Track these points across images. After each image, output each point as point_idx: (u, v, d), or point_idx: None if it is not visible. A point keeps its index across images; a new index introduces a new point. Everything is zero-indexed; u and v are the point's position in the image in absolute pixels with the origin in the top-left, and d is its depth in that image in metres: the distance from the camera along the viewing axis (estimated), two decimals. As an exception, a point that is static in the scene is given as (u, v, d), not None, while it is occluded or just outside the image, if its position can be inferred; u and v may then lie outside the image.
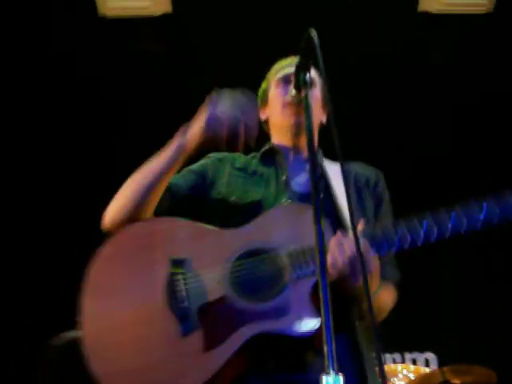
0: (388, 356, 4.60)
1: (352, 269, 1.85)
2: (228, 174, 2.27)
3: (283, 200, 2.16)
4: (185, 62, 4.72)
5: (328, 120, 2.24)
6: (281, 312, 1.89)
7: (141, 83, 4.80)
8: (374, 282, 1.97)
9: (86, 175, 5.13)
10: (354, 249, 1.83)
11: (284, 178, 2.24)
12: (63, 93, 4.86)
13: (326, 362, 1.43)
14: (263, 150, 2.39)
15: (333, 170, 2.22)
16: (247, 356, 1.92)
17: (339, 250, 1.86)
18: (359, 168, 2.33)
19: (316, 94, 2.27)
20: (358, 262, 1.84)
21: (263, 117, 2.43)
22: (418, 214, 1.94)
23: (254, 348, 1.91)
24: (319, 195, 1.65)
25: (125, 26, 4.53)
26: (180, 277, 1.97)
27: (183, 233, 2.09)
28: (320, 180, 2.13)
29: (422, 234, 1.92)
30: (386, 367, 3.89)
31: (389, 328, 2.15)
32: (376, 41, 4.64)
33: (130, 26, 4.54)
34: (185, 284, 1.97)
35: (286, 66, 2.33)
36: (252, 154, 2.39)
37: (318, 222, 1.59)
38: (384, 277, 2.09)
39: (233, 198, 2.18)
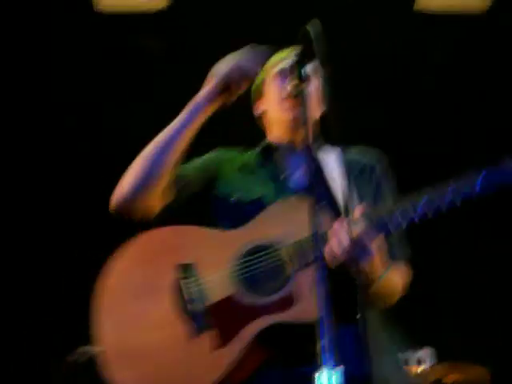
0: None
1: (352, 255, 1.88)
2: (228, 173, 2.28)
3: (283, 197, 2.16)
4: (184, 57, 4.73)
5: (326, 112, 2.21)
6: (287, 303, 1.93)
7: (139, 79, 4.80)
8: (379, 264, 1.98)
9: (86, 171, 5.15)
10: (350, 235, 1.87)
11: (283, 175, 2.25)
12: (60, 89, 4.85)
13: (325, 356, 1.46)
14: (261, 147, 2.37)
15: (330, 158, 2.23)
16: (260, 350, 1.96)
17: (336, 238, 1.89)
18: (357, 154, 2.33)
19: (314, 88, 2.23)
20: (356, 247, 1.88)
21: (258, 111, 2.40)
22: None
23: (266, 342, 1.95)
24: (316, 190, 1.66)
25: (122, 21, 4.52)
26: (186, 281, 2.02)
27: (187, 238, 2.13)
28: (317, 174, 2.10)
29: (419, 210, 1.93)
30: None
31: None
32: (376, 41, 4.62)
33: (127, 21, 4.53)
34: (191, 288, 2.02)
35: (283, 59, 2.29)
36: (249, 152, 2.38)
37: (315, 216, 1.62)
38: (393, 257, 2.11)
39: (233, 198, 2.19)
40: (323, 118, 2.27)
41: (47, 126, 5.04)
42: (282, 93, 2.23)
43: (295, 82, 1.95)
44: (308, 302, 1.90)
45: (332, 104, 1.68)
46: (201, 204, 2.31)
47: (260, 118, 2.42)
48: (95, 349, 2.07)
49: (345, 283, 1.88)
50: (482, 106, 4.91)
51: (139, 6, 4.45)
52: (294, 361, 1.95)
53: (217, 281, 2.01)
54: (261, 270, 2.00)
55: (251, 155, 2.36)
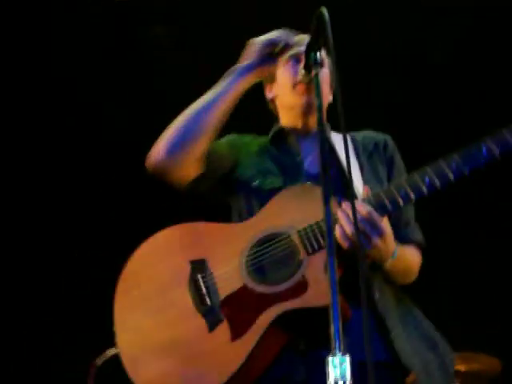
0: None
1: (362, 235, 1.92)
2: (247, 157, 2.32)
3: (291, 184, 2.20)
4: (191, 45, 4.80)
5: (334, 97, 2.27)
6: (300, 289, 1.98)
7: (148, 68, 4.88)
8: (391, 241, 2.02)
9: (86, 170, 5.22)
10: (360, 215, 1.91)
11: (298, 160, 2.28)
12: (68, 79, 4.93)
13: (333, 343, 1.48)
14: (273, 132, 2.41)
15: (339, 141, 2.26)
16: (279, 336, 2.00)
17: (345, 217, 1.93)
18: (367, 134, 2.37)
19: (325, 74, 2.28)
20: (367, 227, 1.91)
21: (269, 96, 2.44)
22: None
23: (285, 327, 1.99)
24: (329, 175, 1.68)
25: (132, 9, 4.61)
26: (199, 277, 2.10)
27: (197, 235, 2.20)
28: (330, 158, 2.14)
29: (424, 187, 1.97)
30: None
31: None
32: (376, 40, 4.71)
33: (138, 9, 4.62)
34: (204, 283, 2.08)
35: (297, 43, 2.31)
36: (262, 137, 2.41)
37: (326, 202, 1.63)
38: (404, 239, 2.16)
39: (255, 183, 2.24)
40: (330, 104, 2.30)
41: (47, 125, 5.10)
42: (295, 77, 2.26)
43: (307, 67, 1.99)
44: (322, 286, 1.93)
45: (341, 90, 1.71)
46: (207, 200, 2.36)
47: (271, 102, 2.45)
48: (119, 347, 2.13)
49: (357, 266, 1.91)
50: (482, 106, 4.95)
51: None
52: (312, 345, 2.00)
53: (229, 274, 2.06)
54: (272, 258, 2.04)
55: (265, 140, 2.39)
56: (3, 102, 4.94)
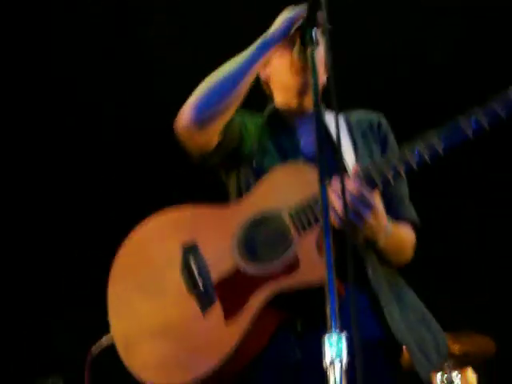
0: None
1: (354, 212, 1.91)
2: (248, 134, 2.30)
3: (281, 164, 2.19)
4: (191, 45, 4.82)
5: (328, 78, 2.17)
6: (292, 267, 1.97)
7: (148, 68, 4.89)
8: (383, 218, 2.01)
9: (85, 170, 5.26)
10: (351, 192, 1.90)
11: (295, 140, 2.27)
12: (68, 79, 4.95)
13: (329, 322, 1.47)
14: (268, 112, 2.39)
15: (333, 120, 2.21)
16: (274, 316, 2.00)
17: (336, 193, 1.91)
18: (361, 114, 2.36)
19: (320, 53, 2.21)
20: (358, 204, 1.90)
21: (263, 75, 2.40)
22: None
23: (279, 307, 1.99)
24: (324, 155, 1.66)
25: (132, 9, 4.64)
26: (192, 259, 2.09)
27: (188, 218, 2.20)
28: (326, 138, 2.06)
29: (413, 160, 1.96)
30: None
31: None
32: (376, 40, 4.73)
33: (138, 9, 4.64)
34: (197, 265, 2.07)
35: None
36: (258, 116, 2.39)
37: (322, 182, 1.62)
38: (398, 217, 2.14)
39: (254, 161, 2.23)
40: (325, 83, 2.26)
41: (47, 125, 5.12)
42: (290, 56, 2.23)
43: (303, 45, 1.99)
44: (314, 263, 1.93)
45: (334, 70, 1.73)
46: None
47: (265, 82, 2.42)
48: (112, 334, 2.13)
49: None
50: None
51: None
52: (308, 325, 1.99)
53: (220, 256, 2.05)
54: (263, 238, 2.04)
55: (261, 119, 2.37)
56: (3, 102, 4.97)
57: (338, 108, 1.66)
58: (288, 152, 2.23)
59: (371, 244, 2.05)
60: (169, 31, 4.75)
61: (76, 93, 4.99)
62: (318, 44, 1.98)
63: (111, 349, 2.15)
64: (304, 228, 2.00)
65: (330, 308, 1.49)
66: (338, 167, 1.88)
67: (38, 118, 5.10)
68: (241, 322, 1.97)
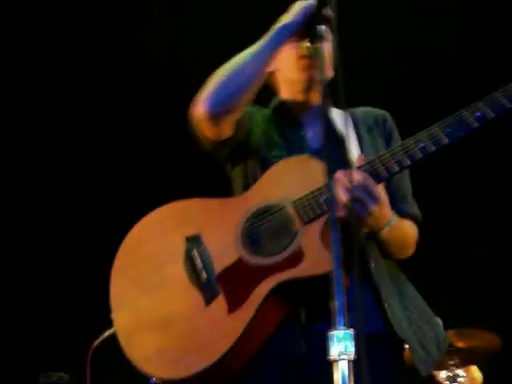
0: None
1: (359, 203, 1.91)
2: (256, 127, 2.29)
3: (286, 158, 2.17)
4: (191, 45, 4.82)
5: (335, 73, 2.19)
6: (297, 258, 1.95)
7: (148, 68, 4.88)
8: (387, 209, 2.01)
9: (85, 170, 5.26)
10: (356, 183, 1.90)
11: (301, 134, 2.26)
12: (68, 78, 4.95)
13: (337, 317, 1.45)
14: (274, 105, 2.39)
15: (339, 116, 2.23)
16: (279, 309, 1.98)
17: (341, 185, 1.91)
18: (366, 110, 2.36)
19: (327, 48, 2.20)
20: (363, 194, 1.90)
21: (270, 69, 2.35)
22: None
23: (282, 301, 1.97)
24: (331, 150, 1.65)
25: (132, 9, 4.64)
26: (195, 252, 2.07)
27: (193, 211, 2.18)
28: (332, 133, 2.11)
29: (419, 152, 1.96)
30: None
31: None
32: (376, 40, 4.74)
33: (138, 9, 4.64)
34: (200, 257, 2.06)
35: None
36: (263, 109, 2.38)
37: (329, 177, 1.61)
38: (401, 213, 2.13)
39: (262, 154, 2.22)
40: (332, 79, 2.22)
41: (47, 125, 5.12)
42: (298, 51, 2.22)
43: (311, 40, 1.98)
44: (319, 254, 1.92)
45: (341, 66, 1.72)
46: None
47: (271, 75, 2.41)
48: (115, 325, 2.11)
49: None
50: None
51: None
52: (313, 317, 1.98)
53: (224, 247, 2.04)
54: (267, 230, 2.02)
55: (267, 112, 2.37)
56: (3, 102, 4.97)
57: (346, 103, 1.66)
58: (295, 145, 2.22)
59: (374, 236, 2.05)
60: (169, 31, 4.76)
61: (76, 93, 4.99)
62: (325, 40, 1.97)
63: (113, 343, 2.12)
64: (309, 220, 1.99)
65: (338, 304, 1.48)
66: (344, 161, 1.92)
67: (38, 117, 5.10)
68: (244, 314, 1.95)
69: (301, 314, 2.00)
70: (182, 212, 2.19)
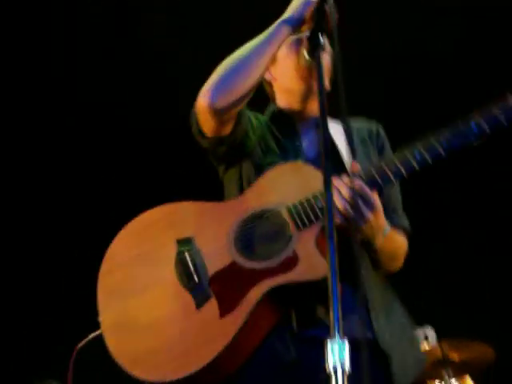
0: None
1: (356, 210, 1.91)
2: (252, 131, 2.29)
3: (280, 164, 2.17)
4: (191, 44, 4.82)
5: (336, 82, 2.14)
6: (290, 263, 1.94)
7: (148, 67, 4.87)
8: (380, 219, 2.01)
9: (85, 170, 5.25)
10: (351, 191, 1.90)
11: (297, 143, 2.26)
12: (68, 78, 4.94)
13: (332, 328, 1.43)
14: (270, 113, 2.39)
15: (335, 128, 2.25)
16: (271, 314, 1.97)
17: (337, 195, 1.92)
18: (360, 121, 2.37)
19: (326, 60, 2.24)
20: (359, 201, 1.91)
21: (267, 77, 2.39)
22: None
23: (274, 306, 1.96)
24: (329, 161, 1.66)
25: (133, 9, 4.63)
26: (186, 254, 2.05)
27: (185, 213, 2.16)
28: (329, 144, 2.05)
29: (415, 162, 1.97)
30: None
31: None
32: (376, 40, 4.73)
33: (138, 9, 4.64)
34: (192, 260, 2.04)
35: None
36: (259, 114, 2.38)
37: (327, 188, 1.61)
38: (392, 224, 2.13)
39: (256, 158, 2.22)
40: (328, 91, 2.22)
41: (47, 125, 5.11)
42: (298, 61, 2.23)
43: (309, 52, 1.98)
44: (313, 260, 1.92)
45: (342, 77, 1.72)
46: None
47: (269, 83, 2.42)
48: (102, 328, 2.08)
49: (349, 243, 1.89)
50: (482, 105, 4.97)
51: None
52: (304, 324, 1.97)
53: (217, 251, 2.03)
54: (261, 234, 2.02)
55: (264, 118, 2.37)
56: (3, 102, 4.97)
57: (346, 113, 1.71)
58: (290, 154, 2.23)
59: (367, 245, 2.05)
60: (169, 31, 4.75)
61: (76, 93, 4.98)
62: (324, 50, 1.97)
63: (101, 345, 2.09)
64: (304, 225, 1.99)
65: (334, 314, 1.47)
66: (339, 169, 1.92)
67: (38, 117, 5.09)
68: (236, 318, 1.93)
69: (292, 320, 1.98)
70: (174, 214, 2.17)
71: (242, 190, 2.19)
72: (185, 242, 2.07)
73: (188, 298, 2.00)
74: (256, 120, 2.33)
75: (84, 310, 2.62)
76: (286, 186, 2.07)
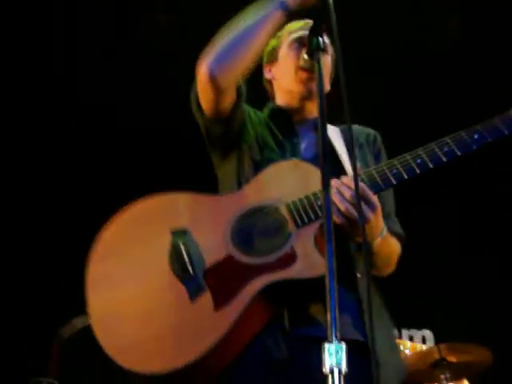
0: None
1: (358, 210, 1.90)
2: (251, 125, 2.28)
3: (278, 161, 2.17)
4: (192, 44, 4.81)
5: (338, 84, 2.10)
6: (288, 260, 1.93)
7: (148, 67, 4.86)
8: (380, 220, 2.01)
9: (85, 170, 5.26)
10: (352, 192, 1.90)
11: (295, 142, 2.26)
12: (68, 78, 4.94)
13: (329, 331, 1.42)
14: (270, 110, 2.39)
15: (333, 131, 2.26)
16: (265, 309, 1.95)
17: (339, 196, 1.92)
18: (357, 128, 2.36)
19: (327, 61, 2.24)
20: (362, 202, 1.90)
21: (268, 76, 2.41)
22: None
23: (268, 303, 1.93)
24: (327, 162, 1.64)
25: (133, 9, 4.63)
26: (181, 245, 2.01)
27: (181, 205, 2.14)
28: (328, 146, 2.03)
29: (417, 167, 1.98)
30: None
31: (387, 304, 2.20)
32: (376, 40, 4.73)
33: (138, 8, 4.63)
34: (187, 251, 2.00)
35: (301, 27, 2.29)
36: (257, 112, 2.37)
37: (325, 188, 1.60)
38: (388, 229, 2.11)
39: (254, 153, 2.21)
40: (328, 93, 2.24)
41: (47, 125, 5.11)
42: (298, 61, 2.23)
43: (309, 53, 1.93)
44: (311, 258, 1.90)
45: (344, 79, 1.68)
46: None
47: (269, 82, 2.42)
48: (90, 315, 2.02)
49: (346, 244, 1.92)
50: (482, 105, 4.96)
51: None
52: (296, 322, 1.95)
53: (214, 244, 2.00)
54: (259, 229, 2.00)
55: (263, 115, 2.36)
56: (3, 102, 4.97)
57: (348, 113, 1.69)
58: (288, 151, 2.22)
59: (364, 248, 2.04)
60: (169, 31, 4.76)
61: (76, 93, 4.98)
62: (324, 51, 1.94)
63: (83, 332, 2.05)
64: (303, 223, 1.98)
65: (331, 316, 1.46)
66: (338, 172, 1.91)
67: (38, 117, 5.09)
68: (230, 312, 1.89)
69: (284, 318, 1.96)
70: (170, 205, 2.13)
71: (239, 185, 2.17)
72: (180, 233, 2.04)
73: (181, 289, 1.96)
74: (255, 116, 2.33)
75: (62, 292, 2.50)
76: (285, 182, 2.06)
